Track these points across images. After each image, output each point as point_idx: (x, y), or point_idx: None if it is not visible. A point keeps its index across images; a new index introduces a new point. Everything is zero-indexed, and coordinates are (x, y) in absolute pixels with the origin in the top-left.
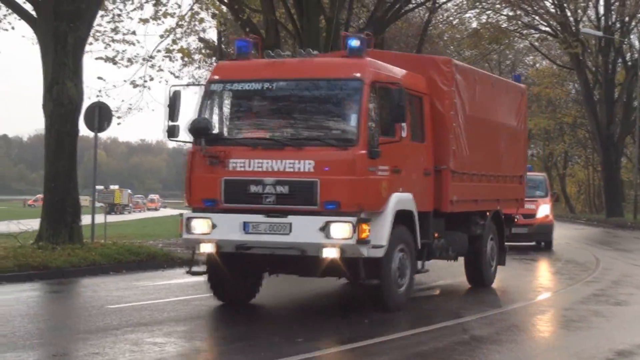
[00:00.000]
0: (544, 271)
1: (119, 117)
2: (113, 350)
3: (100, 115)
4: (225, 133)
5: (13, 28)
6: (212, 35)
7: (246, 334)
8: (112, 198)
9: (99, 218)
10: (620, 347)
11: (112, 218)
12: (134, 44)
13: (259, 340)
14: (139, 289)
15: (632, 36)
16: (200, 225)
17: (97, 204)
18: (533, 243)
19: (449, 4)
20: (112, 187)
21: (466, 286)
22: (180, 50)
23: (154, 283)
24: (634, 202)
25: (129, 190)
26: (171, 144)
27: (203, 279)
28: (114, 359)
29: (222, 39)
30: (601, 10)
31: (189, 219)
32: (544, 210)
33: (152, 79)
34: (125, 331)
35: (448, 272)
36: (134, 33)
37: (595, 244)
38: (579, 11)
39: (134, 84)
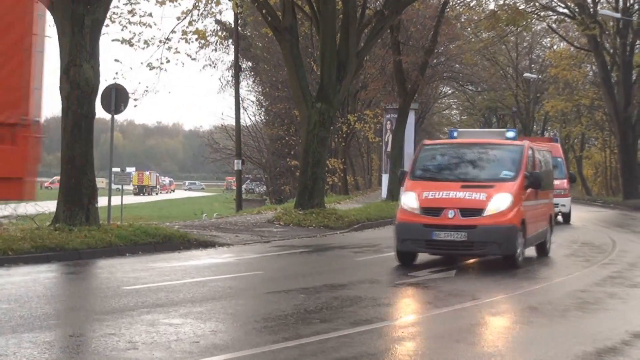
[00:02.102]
0: (559, 253)
1: (135, 99)
2: (129, 331)
3: (117, 97)
4: None
5: None
6: (228, 17)
7: (263, 316)
8: (128, 180)
9: (116, 200)
10: (636, 329)
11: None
12: (150, 26)
13: (275, 321)
14: (155, 270)
15: None
16: None
17: (114, 186)
18: (481, 256)
19: None
20: (128, 169)
21: (483, 268)
22: (196, 32)
23: (170, 264)
24: None
25: (157, 173)
26: (187, 126)
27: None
28: (130, 340)
29: (239, 20)
30: None
31: None
32: (499, 202)
33: (168, 61)
34: (142, 312)
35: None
36: (150, 15)
37: (612, 226)
38: None
39: (150, 66)
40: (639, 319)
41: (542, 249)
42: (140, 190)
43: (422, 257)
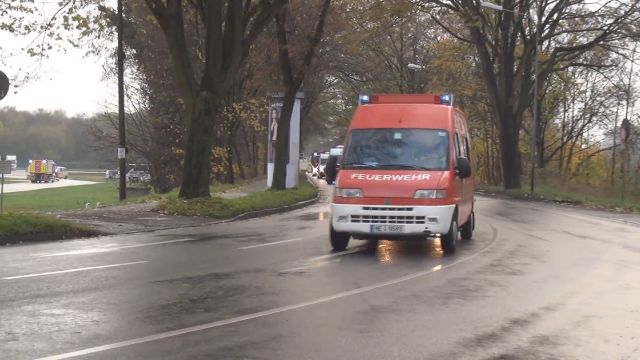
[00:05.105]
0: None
1: (16, 86)
2: (9, 322)
3: None
4: None
5: None
6: (112, 3)
7: (146, 306)
8: (8, 169)
9: None
10: (515, 316)
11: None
12: (32, 12)
13: (159, 311)
14: (36, 260)
15: (531, 10)
16: None
17: None
18: None
19: None
20: (9, 157)
21: (366, 257)
22: (76, 17)
23: (51, 254)
24: (531, 174)
25: (53, 161)
26: (70, 114)
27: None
28: (10, 331)
29: (123, 7)
30: None
31: None
32: None
33: (50, 48)
34: (22, 302)
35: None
36: (31, 0)
37: (493, 215)
38: None
39: (31, 52)
40: (518, 306)
41: None
42: (37, 178)
43: (306, 245)
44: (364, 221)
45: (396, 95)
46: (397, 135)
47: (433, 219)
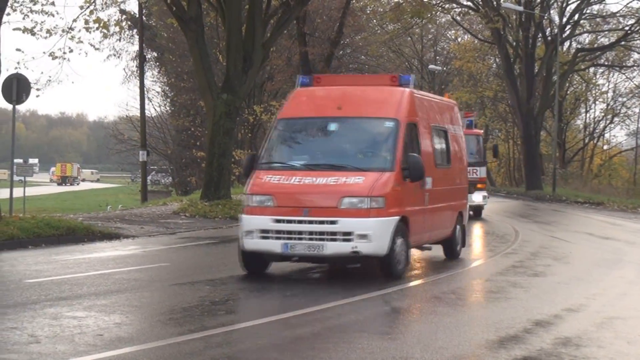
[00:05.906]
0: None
1: (38, 90)
2: (32, 324)
3: (19, 88)
4: None
5: None
6: (133, 7)
7: (168, 308)
8: (30, 172)
9: (18, 192)
10: (537, 317)
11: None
12: (53, 15)
13: (181, 313)
14: (58, 263)
15: (552, 11)
16: None
17: (16, 178)
18: None
19: None
20: (31, 160)
21: None
22: (97, 20)
23: (73, 257)
24: (553, 175)
25: (78, 164)
26: (92, 117)
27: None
28: (33, 334)
29: (144, 10)
30: None
31: None
32: None
33: (71, 51)
34: (44, 305)
35: None
36: (52, 3)
37: (515, 217)
38: None
39: (53, 56)
40: (540, 307)
41: None
42: (63, 180)
43: None
44: (275, 238)
45: (344, 75)
46: (332, 126)
47: (363, 236)
